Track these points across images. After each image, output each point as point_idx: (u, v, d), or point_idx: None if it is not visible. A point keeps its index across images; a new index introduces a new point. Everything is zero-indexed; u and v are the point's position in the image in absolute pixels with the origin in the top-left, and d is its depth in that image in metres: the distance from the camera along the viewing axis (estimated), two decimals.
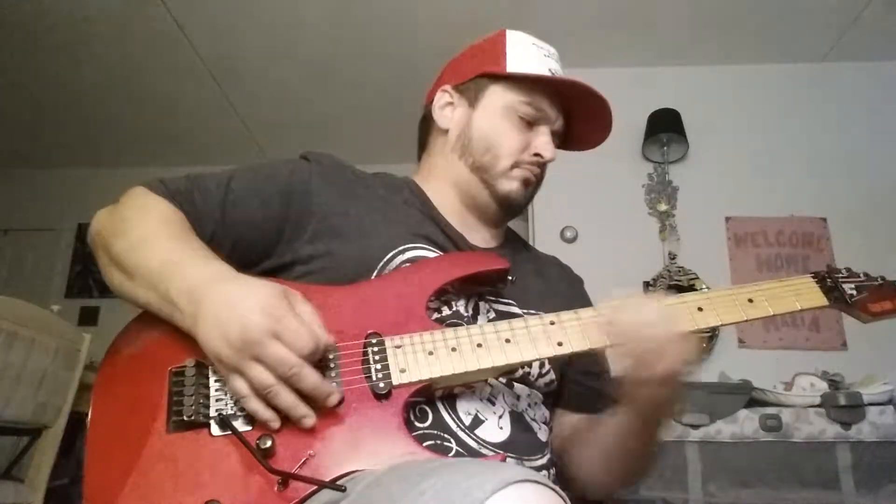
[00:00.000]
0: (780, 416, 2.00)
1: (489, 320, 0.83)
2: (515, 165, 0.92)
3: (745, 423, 2.00)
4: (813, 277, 0.81)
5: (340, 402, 0.66)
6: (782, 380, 2.24)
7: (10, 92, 3.58)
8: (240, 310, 0.63)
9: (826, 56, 3.14)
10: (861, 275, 0.83)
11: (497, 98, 0.94)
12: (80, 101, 3.66)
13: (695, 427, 1.99)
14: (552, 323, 0.74)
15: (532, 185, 0.94)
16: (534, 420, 0.83)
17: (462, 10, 2.81)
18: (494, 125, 0.93)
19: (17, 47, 3.19)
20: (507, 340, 0.72)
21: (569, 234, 3.04)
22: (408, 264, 0.81)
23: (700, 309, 0.76)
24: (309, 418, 0.64)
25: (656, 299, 0.75)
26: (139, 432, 0.64)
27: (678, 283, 2.86)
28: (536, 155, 0.92)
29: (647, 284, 2.92)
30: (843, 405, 1.98)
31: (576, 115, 0.97)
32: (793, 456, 1.97)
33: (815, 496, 1.92)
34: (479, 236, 0.95)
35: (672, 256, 2.95)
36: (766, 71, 3.19)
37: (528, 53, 0.95)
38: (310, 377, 0.64)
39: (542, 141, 0.92)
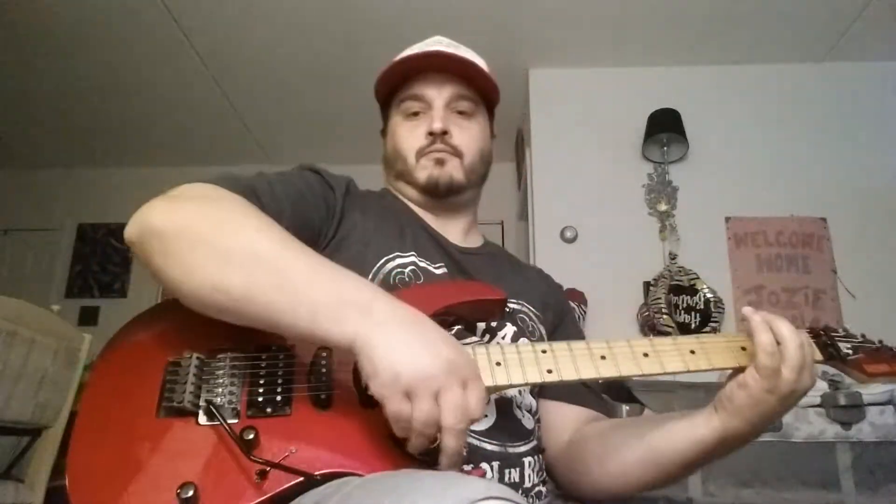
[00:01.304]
0: None
1: None
2: (420, 155, 0.97)
3: None
4: (809, 333, 0.81)
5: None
6: None
7: (10, 92, 3.58)
8: (447, 345, 0.61)
9: (826, 56, 3.15)
10: (859, 336, 0.83)
11: (392, 116, 1.03)
12: (81, 101, 3.67)
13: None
14: (544, 351, 0.75)
15: (449, 162, 0.96)
16: (519, 408, 0.84)
17: (462, 10, 2.81)
18: (393, 134, 1.01)
19: (16, 47, 3.19)
20: (498, 363, 0.73)
21: (569, 234, 3.04)
22: (399, 270, 0.84)
23: (692, 352, 0.77)
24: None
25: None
26: (128, 414, 0.67)
27: (678, 283, 2.86)
28: (430, 134, 0.95)
29: (647, 284, 2.92)
30: (843, 405, 1.98)
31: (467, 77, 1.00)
32: (793, 456, 1.97)
33: (815, 496, 1.92)
34: (457, 234, 1.00)
35: (672, 256, 2.95)
36: (766, 71, 3.19)
37: (401, 58, 1.00)
38: (461, 441, 0.60)
39: (431, 118, 0.96)
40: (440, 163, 0.96)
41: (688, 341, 0.77)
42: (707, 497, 1.95)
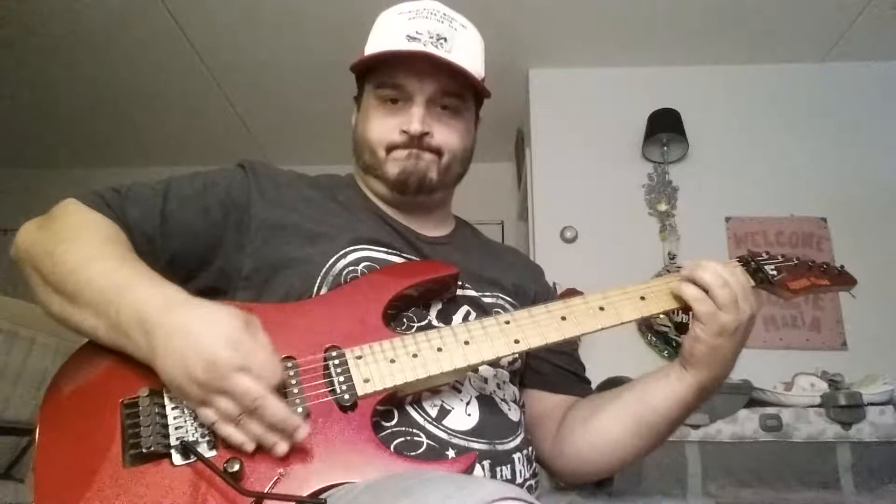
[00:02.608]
0: (780, 416, 2.00)
1: (443, 304, 0.84)
2: (393, 148, 0.89)
3: (745, 423, 2.00)
4: (738, 261, 0.86)
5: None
6: (782, 380, 2.24)
7: (9, 92, 3.57)
8: (204, 343, 0.61)
9: (826, 56, 3.14)
10: (779, 256, 0.89)
11: (366, 93, 0.93)
12: (80, 101, 3.66)
13: (695, 427, 1.99)
14: (507, 322, 0.76)
15: (425, 158, 0.89)
16: (503, 401, 0.83)
17: (462, 10, 2.79)
18: (364, 121, 0.92)
19: (16, 48, 3.19)
20: (466, 342, 0.73)
21: (569, 234, 3.04)
22: (352, 267, 0.81)
23: (643, 298, 0.80)
24: (280, 445, 0.62)
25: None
26: (94, 471, 0.60)
27: None
28: (403, 132, 0.88)
29: None
30: (843, 405, 1.98)
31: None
32: (793, 456, 1.97)
33: (815, 496, 1.92)
34: (427, 225, 0.96)
35: (672, 256, 2.95)
36: (766, 71, 3.19)
37: (387, 30, 0.90)
38: (276, 409, 0.61)
39: (411, 114, 0.87)
40: (416, 158, 0.89)
41: (636, 289, 0.81)
42: (707, 497, 1.95)
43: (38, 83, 3.50)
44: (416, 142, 0.88)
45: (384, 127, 0.89)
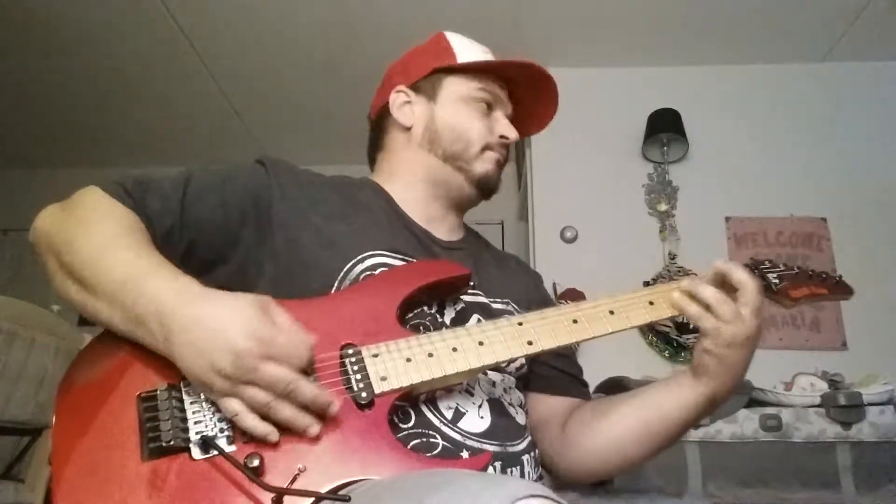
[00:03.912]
0: (780, 416, 2.00)
1: (456, 312, 0.85)
2: (486, 148, 0.97)
3: (745, 423, 2.00)
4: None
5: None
6: (782, 380, 2.24)
7: (9, 92, 3.58)
8: (224, 336, 0.61)
9: (826, 56, 3.15)
10: (781, 265, 0.89)
11: (455, 89, 0.98)
12: (80, 101, 3.66)
13: (695, 427, 1.99)
14: (520, 324, 0.77)
15: (502, 167, 1.00)
16: (511, 405, 0.85)
17: (461, 10, 2.81)
18: (458, 113, 0.97)
19: (16, 48, 3.19)
20: (481, 343, 0.74)
21: (569, 234, 3.04)
22: (368, 273, 0.81)
23: (651, 303, 0.81)
24: (313, 427, 0.63)
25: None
26: (112, 464, 0.60)
27: None
28: (502, 137, 0.97)
29: (647, 284, 2.92)
30: (843, 405, 1.98)
31: (522, 98, 1.03)
32: (793, 456, 1.97)
33: (815, 496, 1.92)
34: (443, 228, 0.98)
35: (672, 256, 2.95)
36: (766, 71, 3.19)
37: (471, 48, 1.01)
38: (308, 389, 0.63)
39: (504, 123, 0.98)
40: (499, 164, 0.98)
41: (645, 293, 0.82)
42: (707, 497, 1.95)
43: (38, 83, 3.50)
44: (507, 150, 0.99)
45: (482, 126, 0.97)
